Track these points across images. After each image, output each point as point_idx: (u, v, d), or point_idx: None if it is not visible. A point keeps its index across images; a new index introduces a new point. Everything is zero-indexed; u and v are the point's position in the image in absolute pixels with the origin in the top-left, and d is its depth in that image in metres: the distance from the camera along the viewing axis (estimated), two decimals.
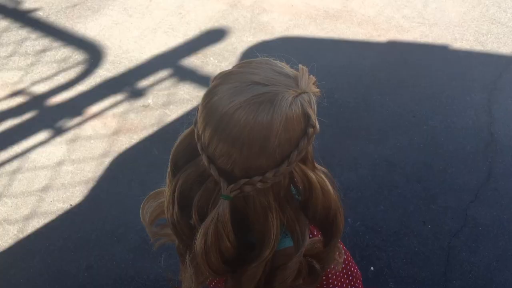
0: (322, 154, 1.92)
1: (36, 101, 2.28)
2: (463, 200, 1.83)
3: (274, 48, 2.52)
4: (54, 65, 2.47)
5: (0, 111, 2.24)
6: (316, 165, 0.87)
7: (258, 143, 0.72)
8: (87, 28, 2.67)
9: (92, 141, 2.10)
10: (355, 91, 2.28)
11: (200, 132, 0.77)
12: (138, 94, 2.31)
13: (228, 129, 0.72)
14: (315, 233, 1.02)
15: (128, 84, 2.36)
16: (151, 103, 2.26)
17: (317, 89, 0.83)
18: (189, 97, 2.28)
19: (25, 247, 1.73)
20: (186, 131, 0.83)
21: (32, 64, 2.47)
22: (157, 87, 2.33)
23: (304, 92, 0.77)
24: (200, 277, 0.85)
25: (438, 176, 1.91)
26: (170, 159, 0.85)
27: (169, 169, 0.86)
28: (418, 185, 1.88)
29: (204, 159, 0.77)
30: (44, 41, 2.60)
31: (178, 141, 0.85)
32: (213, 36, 2.62)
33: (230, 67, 0.80)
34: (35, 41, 2.60)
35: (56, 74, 2.42)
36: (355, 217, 1.78)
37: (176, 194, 0.83)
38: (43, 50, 2.55)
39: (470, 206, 1.81)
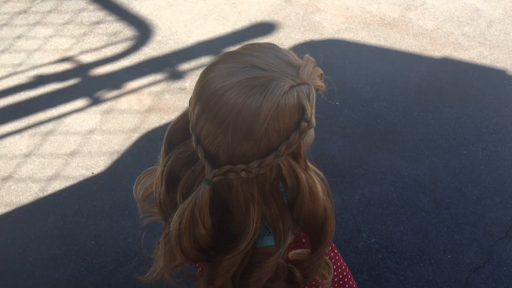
0: (350, 162, 1.87)
1: (81, 70, 2.35)
2: (492, 235, 1.70)
3: (320, 48, 2.46)
4: (105, 37, 2.54)
5: (47, 74, 2.33)
6: (311, 165, 0.82)
7: (244, 128, 0.68)
8: (142, 7, 2.72)
9: (125, 115, 2.13)
10: (396, 104, 2.18)
11: (191, 109, 0.75)
12: (177, 76, 2.33)
13: (216, 108, 0.69)
14: (303, 241, 0.97)
15: (170, 65, 2.38)
16: (187, 87, 2.26)
17: (322, 83, 0.79)
18: None
19: (43, 206, 1.79)
20: (185, 110, 0.80)
21: (84, 34, 2.55)
22: (196, 72, 2.33)
23: (304, 83, 0.73)
24: (173, 261, 0.83)
25: (469, 206, 1.79)
26: (165, 136, 0.83)
27: (163, 147, 0.84)
28: (446, 211, 1.77)
29: (193, 139, 0.75)
30: (99, 14, 2.67)
31: (175, 119, 0.83)
32: (262, 29, 2.59)
33: None
34: (91, 13, 2.68)
35: (104, 46, 2.48)
36: (370, 233, 1.70)
37: (165, 173, 0.82)
38: (97, 22, 2.62)
39: (498, 242, 1.68)
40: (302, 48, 2.54)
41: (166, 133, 0.83)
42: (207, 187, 0.73)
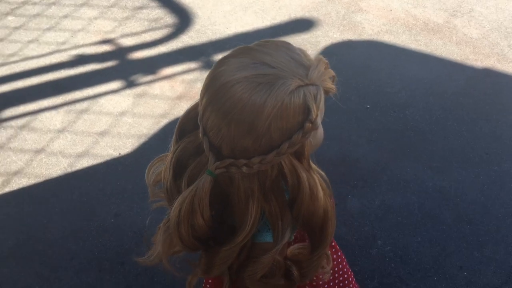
0: (373, 167, 1.85)
1: (120, 53, 2.42)
2: None
3: (358, 49, 2.42)
4: (146, 23, 2.59)
5: (88, 54, 2.41)
6: (314, 166, 0.82)
7: (246, 123, 0.70)
8: None
9: (156, 100, 2.18)
10: (430, 112, 2.12)
11: (200, 100, 0.77)
12: (211, 66, 2.34)
13: (222, 101, 0.71)
14: (307, 241, 0.97)
15: (205, 54, 2.41)
16: None
17: (333, 86, 0.78)
18: None
19: (69, 181, 1.86)
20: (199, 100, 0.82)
21: (126, 18, 2.61)
22: None
23: (312, 84, 0.73)
24: (172, 247, 0.85)
25: (493, 224, 1.72)
26: (177, 124, 0.86)
27: (174, 135, 0.86)
28: (468, 227, 1.71)
29: (200, 130, 0.76)
30: None
31: (188, 108, 0.85)
32: (300, 25, 2.57)
33: None
34: None
35: (144, 31, 2.54)
36: (386, 241, 1.67)
37: (173, 160, 0.84)
38: (140, 7, 2.68)
39: None
40: (340, 48, 2.52)
41: (179, 121, 0.85)
42: (209, 179, 0.75)
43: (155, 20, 2.61)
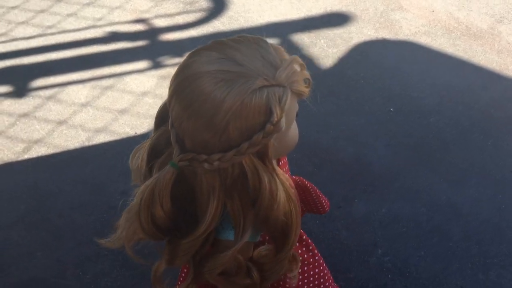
0: (386, 173, 1.79)
1: (151, 33, 2.45)
2: None
3: (391, 49, 2.34)
4: (181, 5, 2.61)
5: (121, 32, 2.46)
6: (280, 170, 0.79)
7: (205, 118, 0.69)
8: None
9: None
10: (456, 122, 2.02)
11: (169, 87, 0.77)
12: None
13: (185, 93, 0.71)
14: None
15: None
16: None
17: (305, 89, 0.76)
18: None
19: (85, 155, 1.92)
20: None
21: (163, 0, 2.64)
22: None
23: (278, 85, 0.71)
24: (135, 234, 0.85)
25: (504, 247, 1.64)
26: (157, 111, 0.86)
27: (154, 121, 0.87)
28: (476, 247, 1.64)
29: (169, 120, 0.76)
30: None
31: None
32: (334, 20, 2.51)
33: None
34: None
35: (178, 13, 2.56)
36: (387, 251, 1.62)
37: (148, 148, 0.85)
38: None
39: None
40: (372, 46, 2.44)
41: (159, 108, 0.85)
42: (171, 170, 0.75)
43: (190, 3, 2.62)
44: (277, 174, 0.77)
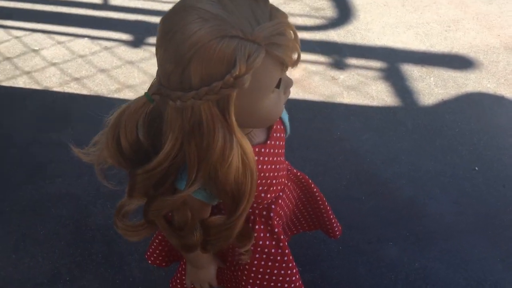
0: (438, 229, 1.67)
1: None
2: None
3: (504, 108, 2.08)
4: (307, 8, 2.65)
5: None
6: (243, 136, 0.76)
7: (173, 47, 0.70)
8: None
9: None
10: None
11: None
12: (338, 66, 2.29)
13: (168, 21, 0.73)
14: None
15: (340, 54, 2.36)
16: (340, 79, 2.22)
17: (289, 58, 0.72)
18: (375, 95, 2.14)
19: None
20: None
21: (292, 0, 2.70)
22: (358, 71, 2.25)
23: (252, 41, 0.68)
24: (102, 155, 0.88)
25: None
26: None
27: None
28: None
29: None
30: None
31: None
32: (456, 62, 2.32)
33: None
34: None
35: (300, 15, 2.60)
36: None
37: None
38: None
39: None
40: (483, 98, 2.21)
41: None
42: (142, 100, 0.77)
43: (317, 8, 2.64)
44: (236, 136, 0.74)
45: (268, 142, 0.92)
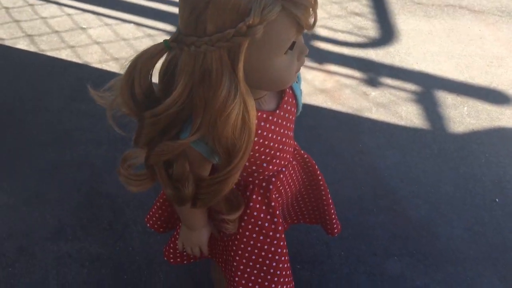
0: (447, 255, 1.73)
1: (309, 37, 2.55)
2: None
3: None
4: (350, 26, 2.66)
5: None
6: (249, 92, 0.77)
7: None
8: (404, 21, 2.71)
9: (303, 82, 2.24)
10: None
11: None
12: (372, 83, 2.28)
13: None
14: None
15: (374, 71, 2.35)
16: (371, 96, 2.20)
17: (306, 19, 0.73)
18: (404, 115, 2.11)
19: None
20: None
21: (338, 16, 2.73)
22: (389, 90, 2.24)
23: None
24: (118, 99, 0.90)
25: None
26: None
27: None
28: None
29: None
30: (364, 8, 2.80)
31: None
32: (493, 96, 2.26)
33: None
34: (360, 4, 2.83)
35: (342, 31, 2.61)
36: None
37: None
38: (357, 13, 2.76)
39: None
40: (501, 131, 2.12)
41: None
42: (159, 46, 0.79)
43: (360, 27, 2.65)
44: (240, 89, 0.75)
45: (278, 111, 0.93)
